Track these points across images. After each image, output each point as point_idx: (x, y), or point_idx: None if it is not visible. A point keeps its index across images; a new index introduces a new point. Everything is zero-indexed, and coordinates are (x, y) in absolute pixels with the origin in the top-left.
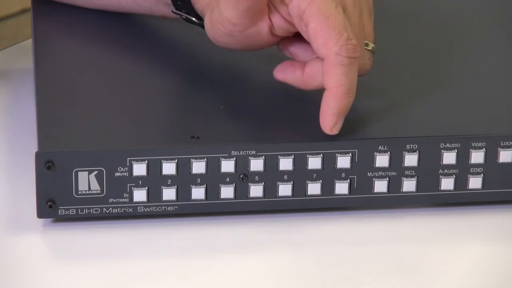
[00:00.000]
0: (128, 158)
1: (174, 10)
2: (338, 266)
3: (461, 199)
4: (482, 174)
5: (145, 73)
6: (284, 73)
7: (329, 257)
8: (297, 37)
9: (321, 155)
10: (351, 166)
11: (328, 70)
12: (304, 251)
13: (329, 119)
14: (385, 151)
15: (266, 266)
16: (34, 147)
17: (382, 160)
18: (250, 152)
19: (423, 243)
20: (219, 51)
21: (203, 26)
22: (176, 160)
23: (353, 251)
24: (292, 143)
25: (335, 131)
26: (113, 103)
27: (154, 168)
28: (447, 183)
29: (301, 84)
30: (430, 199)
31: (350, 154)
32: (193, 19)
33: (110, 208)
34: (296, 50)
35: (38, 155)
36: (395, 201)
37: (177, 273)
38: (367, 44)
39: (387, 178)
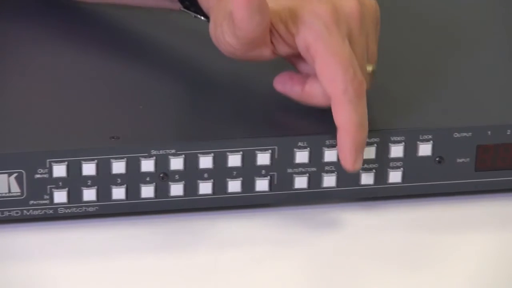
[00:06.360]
0: (47, 160)
1: (183, 9)
2: (258, 264)
3: (381, 193)
4: (401, 168)
5: (65, 74)
6: (283, 86)
7: (250, 255)
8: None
9: (241, 152)
10: (271, 163)
11: (336, 108)
12: (225, 249)
13: (349, 156)
14: (304, 147)
15: (186, 267)
16: None
17: (302, 156)
18: (170, 151)
19: (345, 238)
20: (142, 51)
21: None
22: (96, 161)
23: (275, 248)
24: (211, 141)
25: (357, 167)
26: (32, 105)
27: (74, 169)
28: (367, 178)
29: (299, 99)
30: (350, 194)
31: (270, 151)
32: (202, 18)
33: (31, 210)
34: (297, 61)
35: None
36: (315, 197)
37: (99, 274)
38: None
39: (307, 174)
